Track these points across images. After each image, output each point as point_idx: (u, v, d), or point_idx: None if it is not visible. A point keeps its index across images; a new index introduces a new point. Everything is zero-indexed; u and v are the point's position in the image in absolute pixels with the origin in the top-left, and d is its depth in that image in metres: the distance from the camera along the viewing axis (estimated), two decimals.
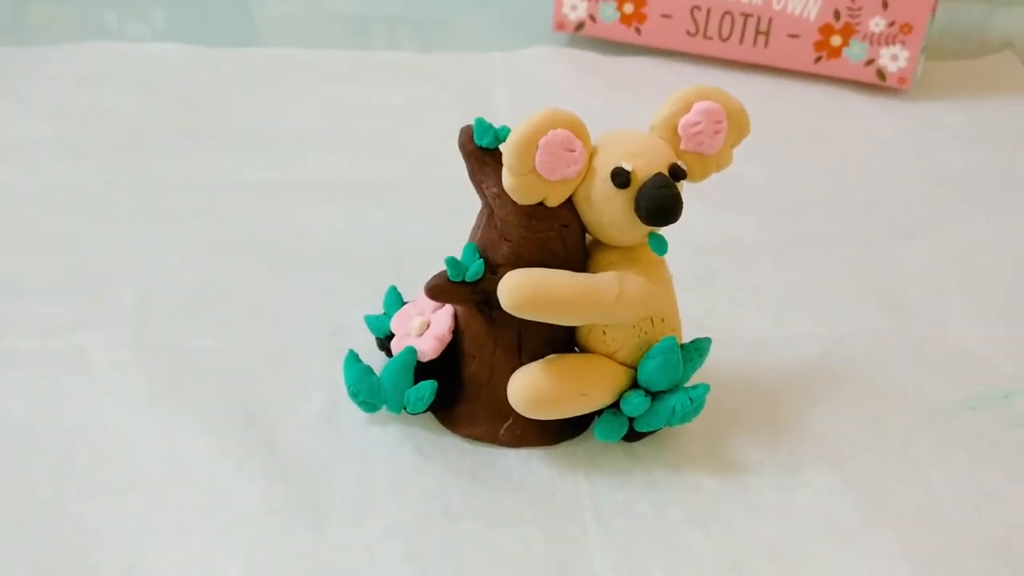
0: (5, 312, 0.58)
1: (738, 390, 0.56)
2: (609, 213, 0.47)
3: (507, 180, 0.46)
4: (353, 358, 0.51)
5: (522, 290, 0.45)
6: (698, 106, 0.48)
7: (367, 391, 0.51)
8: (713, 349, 0.52)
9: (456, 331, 0.51)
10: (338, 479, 0.49)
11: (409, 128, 0.82)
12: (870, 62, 0.92)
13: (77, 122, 0.79)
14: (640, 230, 0.47)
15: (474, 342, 0.50)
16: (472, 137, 0.47)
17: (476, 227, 0.49)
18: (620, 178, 0.46)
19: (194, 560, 0.45)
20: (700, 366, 0.52)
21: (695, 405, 0.49)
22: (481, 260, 0.47)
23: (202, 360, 0.56)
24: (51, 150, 0.75)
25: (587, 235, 0.49)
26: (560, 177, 0.46)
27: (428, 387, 0.50)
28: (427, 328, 0.52)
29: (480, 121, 0.47)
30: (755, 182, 0.78)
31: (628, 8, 0.97)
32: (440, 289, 0.48)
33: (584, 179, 0.47)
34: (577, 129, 0.46)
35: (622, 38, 0.99)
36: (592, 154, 0.47)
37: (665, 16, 0.97)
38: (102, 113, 0.81)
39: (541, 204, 0.47)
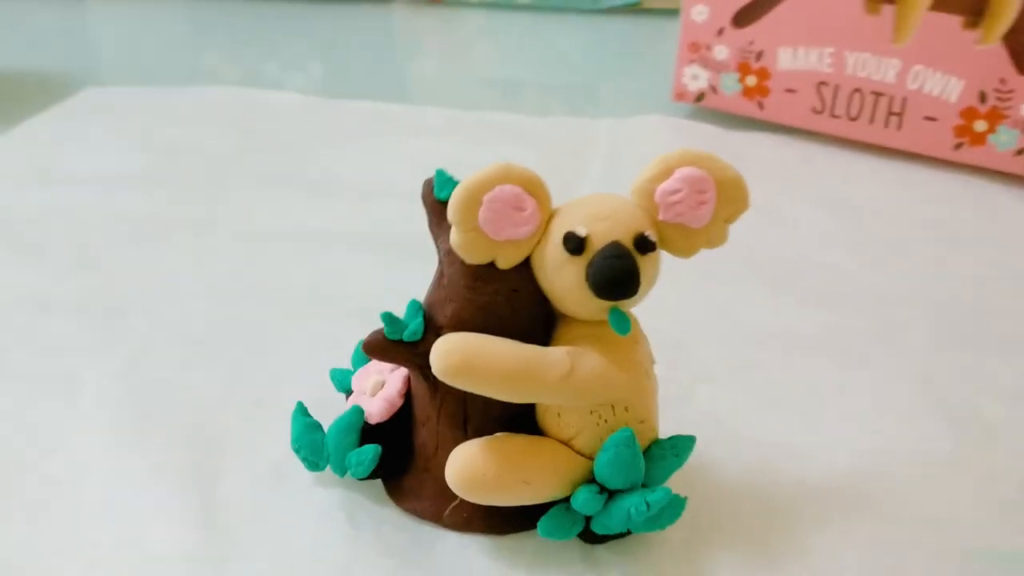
0: (21, 326, 0.60)
1: (738, 500, 0.48)
2: (561, 282, 0.41)
3: (453, 237, 0.42)
4: (300, 411, 0.49)
5: (451, 355, 0.41)
6: (680, 173, 0.42)
7: (309, 447, 0.48)
8: (723, 451, 0.46)
9: (409, 396, 0.47)
10: (261, 536, 0.46)
11: None
12: (1021, 152, 0.81)
13: (165, 159, 0.83)
14: (595, 304, 0.41)
15: (422, 410, 0.46)
16: (432, 189, 0.44)
17: (431, 286, 0.45)
18: (571, 243, 0.40)
19: None
20: (677, 468, 0.44)
21: (652, 511, 0.42)
22: (421, 319, 0.43)
23: (184, 398, 0.55)
24: (128, 181, 0.79)
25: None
26: (507, 237, 0.41)
27: (369, 451, 0.46)
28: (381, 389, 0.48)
29: (441, 173, 0.44)
30: (843, 271, 0.69)
31: (751, 81, 0.91)
32: (375, 346, 0.44)
33: (539, 241, 0.42)
34: (531, 187, 0.41)
35: (743, 111, 0.93)
36: (551, 216, 0.42)
37: (789, 91, 0.89)
38: (193, 152, 0.84)
39: (491, 266, 0.42)
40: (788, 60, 0.88)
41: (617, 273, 0.40)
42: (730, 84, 0.92)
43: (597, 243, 0.40)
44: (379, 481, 0.49)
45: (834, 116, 0.88)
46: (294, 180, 0.80)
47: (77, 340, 0.59)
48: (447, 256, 0.43)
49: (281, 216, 0.75)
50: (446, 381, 0.41)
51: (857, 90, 0.86)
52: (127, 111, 0.93)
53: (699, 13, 0.90)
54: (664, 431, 0.51)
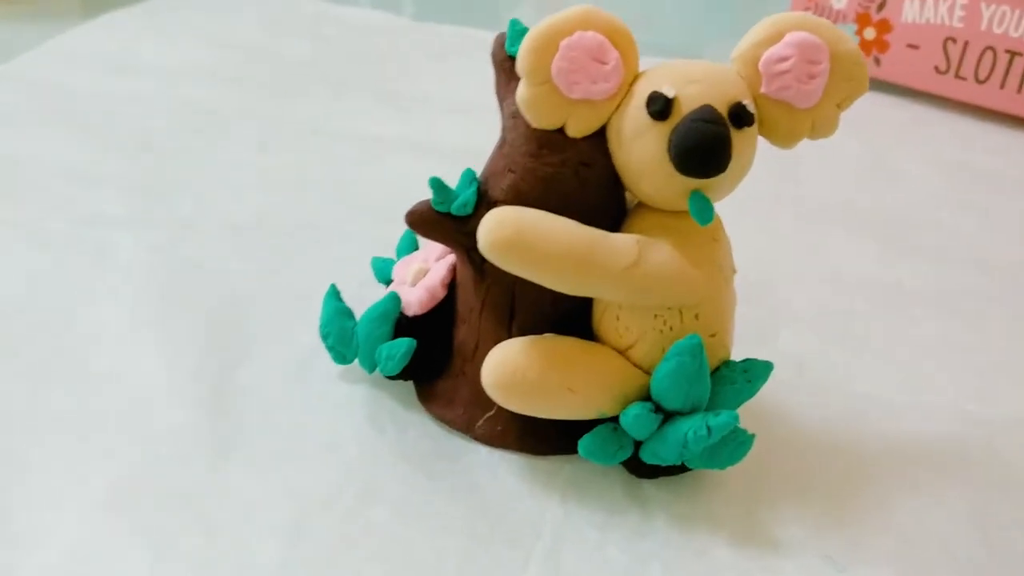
0: (69, 197, 0.57)
1: (814, 451, 0.41)
2: (640, 152, 0.35)
3: (520, 91, 0.36)
4: (332, 295, 0.43)
5: (503, 227, 0.35)
6: (791, 37, 0.35)
7: (337, 335, 0.42)
8: (804, 397, 0.39)
9: (452, 288, 0.42)
10: (270, 426, 0.41)
11: None
12: None
13: (241, 59, 0.79)
14: (676, 184, 0.35)
15: (465, 303, 0.40)
16: (504, 45, 0.38)
17: (491, 155, 0.39)
18: (656, 104, 0.34)
19: (76, 459, 0.38)
20: (749, 396, 0.38)
21: (713, 438, 0.36)
22: (475, 190, 0.38)
23: (218, 281, 0.50)
24: (201, 75, 0.75)
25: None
26: (583, 95, 0.35)
27: (403, 345, 0.41)
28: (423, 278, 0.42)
29: (515, 23, 0.38)
30: (960, 230, 0.61)
31: (869, 34, 0.83)
32: (419, 218, 0.38)
33: (619, 106, 0.36)
34: (618, 37, 0.35)
35: None
36: (636, 77, 0.36)
37: (912, 47, 0.81)
38: (269, 55, 0.80)
39: (561, 132, 0.36)
40: (914, 11, 0.80)
41: (706, 139, 0.33)
42: None
43: (686, 107, 0.34)
44: (411, 383, 0.43)
45: (959, 77, 0.79)
46: (369, 90, 0.76)
47: (120, 215, 0.56)
48: (511, 120, 0.38)
49: (349, 120, 0.70)
50: (493, 259, 0.35)
51: (990, 48, 0.77)
52: (210, 11, 0.90)
53: None
54: None
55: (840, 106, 0.36)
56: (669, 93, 0.34)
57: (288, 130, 0.68)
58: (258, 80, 0.76)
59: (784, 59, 0.35)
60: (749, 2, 1.06)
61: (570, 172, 0.36)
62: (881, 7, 0.82)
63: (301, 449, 0.40)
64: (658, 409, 0.37)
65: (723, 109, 0.34)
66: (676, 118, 0.34)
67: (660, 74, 0.35)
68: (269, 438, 0.40)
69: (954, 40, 0.78)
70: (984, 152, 0.74)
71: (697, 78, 0.35)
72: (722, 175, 0.34)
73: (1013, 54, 0.76)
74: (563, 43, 0.35)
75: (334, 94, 0.75)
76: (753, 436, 0.37)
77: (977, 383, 0.46)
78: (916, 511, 0.38)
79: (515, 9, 1.06)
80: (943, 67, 0.80)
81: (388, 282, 0.45)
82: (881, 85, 0.84)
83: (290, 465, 0.39)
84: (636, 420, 0.36)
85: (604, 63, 0.35)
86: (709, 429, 0.35)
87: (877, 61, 0.83)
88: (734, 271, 0.39)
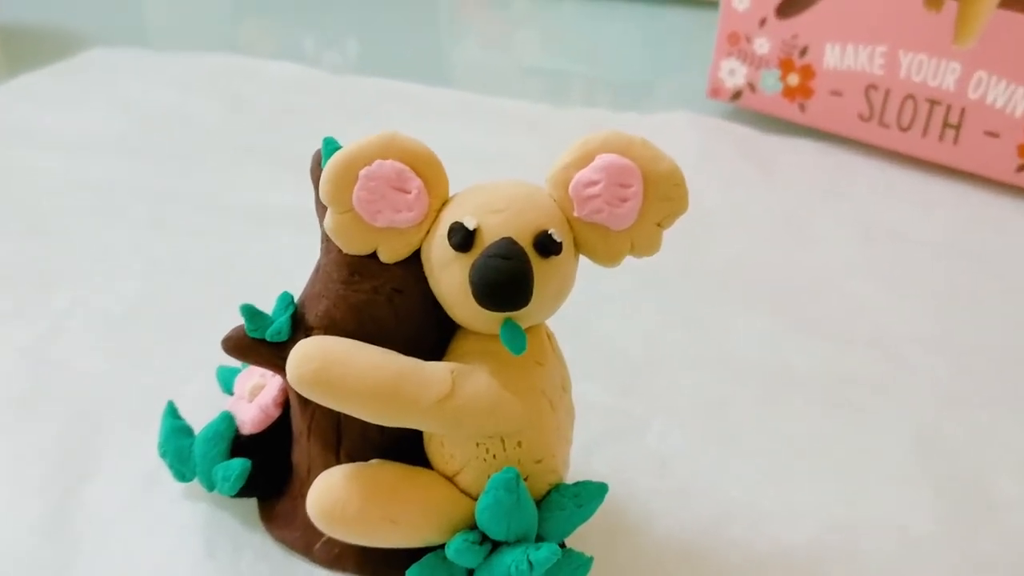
0: None
1: (667, 567, 0.40)
2: (447, 282, 0.34)
3: (326, 219, 0.35)
4: (170, 412, 0.42)
5: (308, 362, 0.34)
6: (600, 160, 0.34)
7: (175, 454, 0.41)
8: (664, 503, 0.38)
9: (287, 406, 0.40)
10: (108, 549, 0.40)
11: (482, 173, 0.73)
12: None
13: (146, 125, 0.78)
14: (485, 314, 0.34)
15: (296, 425, 0.39)
16: (319, 162, 0.37)
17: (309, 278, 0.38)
18: (456, 236, 0.33)
19: None
20: (581, 522, 0.36)
21: (536, 571, 0.34)
22: (289, 317, 0.36)
23: (79, 384, 0.49)
24: (102, 147, 0.74)
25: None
26: (387, 223, 0.34)
27: (237, 466, 0.39)
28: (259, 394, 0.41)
29: (330, 142, 0.37)
30: (861, 303, 0.60)
31: (793, 80, 0.82)
32: (234, 344, 0.37)
33: (428, 231, 0.35)
34: (419, 164, 0.34)
35: (782, 114, 0.83)
36: (444, 203, 0.35)
37: (835, 93, 0.80)
38: (178, 120, 0.79)
39: (373, 258, 0.35)
40: (835, 58, 0.78)
41: (500, 276, 0.32)
42: (770, 82, 0.83)
43: (488, 237, 0.33)
44: (254, 503, 0.42)
45: (883, 125, 0.78)
46: (271, 155, 0.74)
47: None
48: (324, 243, 0.36)
49: (244, 191, 0.69)
50: (301, 392, 0.34)
51: (910, 96, 0.76)
52: (126, 72, 0.89)
53: (740, 0, 0.81)
54: (599, 469, 0.44)
55: (661, 225, 0.35)
56: (470, 224, 0.33)
57: (182, 206, 0.67)
58: (160, 150, 0.75)
59: (593, 183, 0.34)
60: (696, 37, 1.06)
61: (383, 299, 0.35)
62: (804, 52, 0.80)
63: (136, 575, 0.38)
64: (486, 538, 0.36)
65: (527, 239, 0.33)
66: (479, 249, 0.33)
67: (465, 201, 0.34)
68: (105, 563, 0.39)
69: (876, 87, 0.77)
70: (907, 206, 0.73)
71: (501, 206, 0.33)
72: (530, 305, 0.33)
73: (932, 102, 0.75)
74: (362, 173, 0.33)
75: (235, 161, 0.73)
76: (590, 559, 0.36)
77: (848, 484, 0.44)
78: None
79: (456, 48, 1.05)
80: (866, 114, 0.78)
81: (232, 393, 0.44)
82: (807, 131, 0.83)
83: None
84: (459, 552, 0.35)
85: (406, 192, 0.34)
86: (531, 563, 0.34)
87: (802, 107, 0.82)
88: (566, 390, 0.38)
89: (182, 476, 0.42)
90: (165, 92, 0.85)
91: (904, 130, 0.77)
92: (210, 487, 0.41)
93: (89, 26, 1.08)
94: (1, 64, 0.95)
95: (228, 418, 0.40)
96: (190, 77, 0.88)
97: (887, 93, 0.77)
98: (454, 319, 0.36)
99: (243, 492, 0.41)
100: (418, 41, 1.13)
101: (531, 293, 0.33)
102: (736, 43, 0.83)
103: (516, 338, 0.34)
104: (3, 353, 0.51)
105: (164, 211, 0.66)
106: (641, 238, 0.35)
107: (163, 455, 0.42)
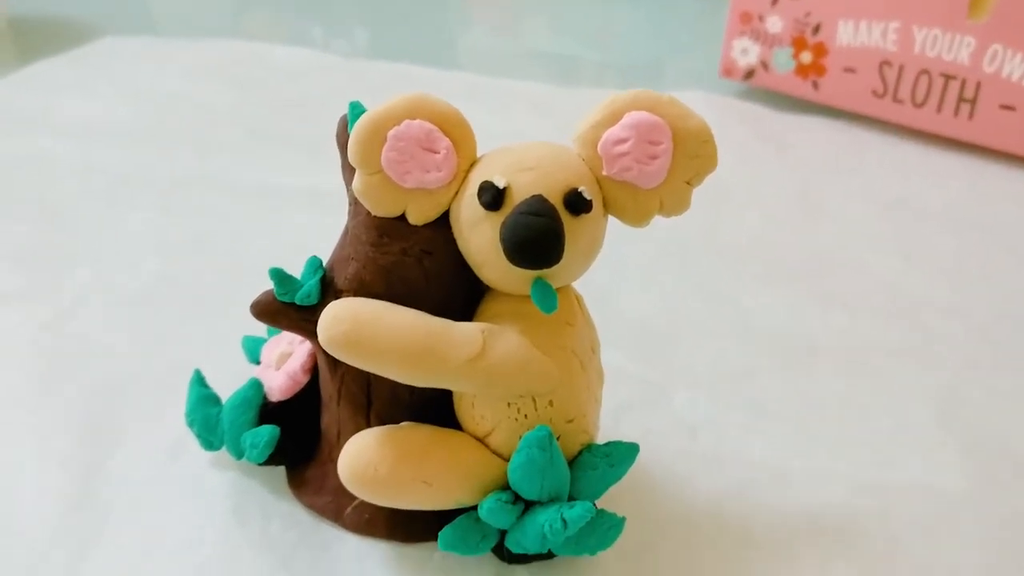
0: None
1: (699, 529, 0.40)
2: (477, 242, 0.34)
3: (355, 181, 0.35)
4: (197, 380, 0.42)
5: (338, 323, 0.34)
6: (629, 118, 0.34)
7: (202, 423, 0.41)
8: (692, 467, 0.38)
9: (315, 372, 0.40)
10: (136, 517, 0.40)
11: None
12: None
13: (158, 111, 0.78)
14: (516, 273, 0.34)
15: (325, 390, 0.39)
16: (346, 126, 0.37)
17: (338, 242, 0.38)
18: (486, 195, 0.33)
19: None
20: (613, 482, 0.37)
21: (570, 531, 0.34)
22: (318, 280, 0.36)
23: (101, 360, 0.49)
24: (115, 132, 0.74)
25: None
26: (416, 184, 0.34)
27: (265, 433, 0.40)
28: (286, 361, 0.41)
29: (356, 106, 0.37)
30: (880, 276, 0.60)
31: (806, 57, 0.81)
32: (263, 309, 0.37)
33: (457, 192, 0.35)
34: (448, 124, 0.34)
35: (796, 92, 0.83)
36: (473, 163, 0.35)
37: (848, 70, 0.80)
38: (190, 105, 0.79)
39: (402, 220, 0.35)
40: (848, 35, 0.78)
41: (532, 233, 0.32)
42: (783, 60, 0.82)
43: (518, 196, 0.33)
44: (284, 468, 0.42)
45: (897, 101, 0.78)
46: (282, 137, 0.74)
47: (10, 289, 0.55)
48: (353, 206, 0.36)
49: (257, 172, 0.69)
50: (332, 354, 0.34)
51: (925, 71, 0.75)
52: (138, 60, 0.89)
53: None
54: (629, 433, 0.44)
55: (691, 183, 0.35)
56: (500, 183, 0.33)
57: (195, 188, 0.67)
58: (172, 135, 0.75)
59: (623, 141, 0.34)
60: (706, 17, 1.06)
61: (412, 261, 0.35)
62: (816, 30, 0.80)
63: (164, 542, 0.38)
64: (518, 498, 0.36)
65: (557, 197, 0.33)
66: (508, 208, 0.33)
67: (494, 161, 0.34)
68: (130, 536, 0.39)
69: (889, 64, 0.77)
70: (921, 180, 0.73)
71: (531, 165, 0.33)
72: (561, 263, 0.33)
73: (947, 77, 0.74)
74: (390, 133, 0.33)
75: (246, 144, 0.74)
76: (623, 519, 0.36)
77: (876, 448, 0.45)
78: None
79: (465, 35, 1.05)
80: (880, 91, 0.78)
81: (257, 361, 0.44)
82: (820, 109, 0.83)
83: (148, 565, 0.38)
84: (492, 512, 0.35)
85: (435, 152, 0.34)
86: (565, 521, 0.34)
87: (815, 85, 0.82)
88: (595, 351, 0.38)
89: (209, 445, 0.42)
90: (176, 78, 0.85)
91: (918, 106, 0.77)
92: (238, 455, 0.41)
93: (100, 15, 1.08)
94: (15, 53, 0.95)
95: (256, 385, 0.40)
96: (200, 64, 0.88)
97: (901, 69, 0.76)
98: (483, 280, 0.36)
99: (272, 459, 0.41)
100: (427, 29, 1.13)
101: (563, 250, 0.33)
102: (748, 22, 0.83)
103: (547, 297, 0.34)
104: (26, 329, 0.51)
105: (178, 193, 0.66)
106: (670, 196, 0.35)
107: (190, 424, 0.42)
